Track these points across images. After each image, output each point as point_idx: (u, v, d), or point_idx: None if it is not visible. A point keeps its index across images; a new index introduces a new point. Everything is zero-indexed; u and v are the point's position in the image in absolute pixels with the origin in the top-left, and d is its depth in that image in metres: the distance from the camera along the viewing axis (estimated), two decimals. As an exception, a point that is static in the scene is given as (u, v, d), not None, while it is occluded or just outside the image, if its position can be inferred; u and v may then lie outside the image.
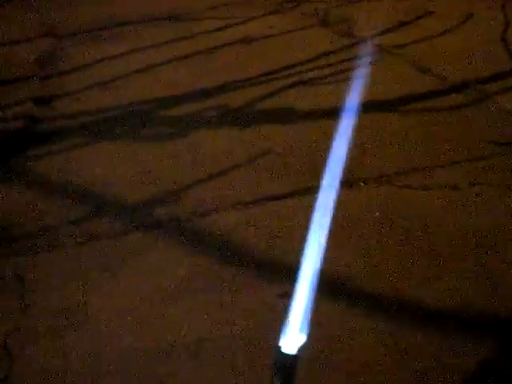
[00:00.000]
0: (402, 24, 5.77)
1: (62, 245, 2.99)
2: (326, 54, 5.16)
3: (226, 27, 5.86)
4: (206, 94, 4.51)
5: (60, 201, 3.34)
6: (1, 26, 6.33)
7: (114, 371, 2.35)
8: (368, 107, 4.22)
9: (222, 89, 4.59)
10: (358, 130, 3.92)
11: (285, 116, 4.16)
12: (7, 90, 4.72)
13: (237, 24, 5.93)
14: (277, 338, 2.43)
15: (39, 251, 2.96)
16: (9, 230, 3.13)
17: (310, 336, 1.30)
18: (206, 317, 2.56)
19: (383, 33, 5.58)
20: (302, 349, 1.22)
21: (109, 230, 3.08)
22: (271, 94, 4.46)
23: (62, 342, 2.48)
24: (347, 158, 3.63)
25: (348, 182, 3.39)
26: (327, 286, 2.65)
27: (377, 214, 3.13)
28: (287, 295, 2.62)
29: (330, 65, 4.92)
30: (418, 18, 5.92)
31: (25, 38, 5.91)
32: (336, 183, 3.49)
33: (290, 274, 2.77)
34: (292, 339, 1.16)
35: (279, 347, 1.16)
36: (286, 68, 4.89)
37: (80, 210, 3.25)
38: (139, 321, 2.55)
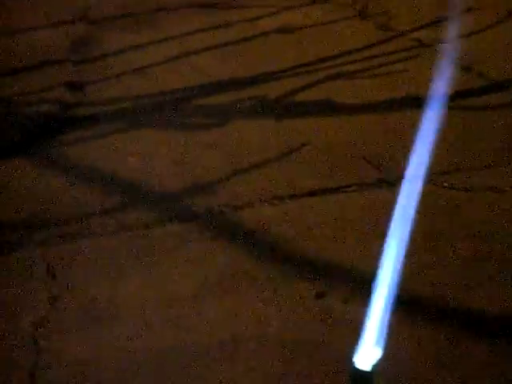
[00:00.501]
0: (443, 19, 5.63)
1: (93, 234, 2.92)
2: (365, 46, 5.04)
3: (263, 16, 5.75)
4: (241, 83, 4.42)
5: (92, 189, 3.27)
6: (33, 10, 6.28)
7: (145, 369, 2.27)
8: (408, 103, 4.11)
9: (259, 79, 4.49)
10: (397, 126, 3.83)
11: (322, 109, 4.05)
12: (39, 75, 4.66)
13: (273, 13, 5.81)
14: (313, 340, 2.36)
15: (70, 240, 2.89)
16: (39, 217, 3.07)
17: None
18: (240, 316, 2.47)
19: (423, 27, 5.45)
20: (377, 365, 1.11)
21: (142, 221, 3.00)
22: (308, 86, 4.35)
23: (91, 336, 2.40)
24: (386, 155, 3.55)
25: (388, 181, 3.29)
26: (364, 289, 2.55)
27: (419, 214, 3.01)
28: (324, 295, 2.55)
29: (368, 58, 4.80)
30: (459, 13, 5.77)
31: (57, 22, 5.85)
32: (375, 181, 3.41)
33: (327, 272, 2.72)
34: (366, 354, 1.03)
35: (353, 363, 1.04)
36: (324, 60, 4.78)
37: (113, 199, 3.17)
38: (171, 317, 2.47)
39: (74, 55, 5.04)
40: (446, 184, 3.24)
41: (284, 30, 5.37)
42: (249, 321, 2.44)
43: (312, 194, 3.21)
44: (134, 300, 2.55)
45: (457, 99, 4.16)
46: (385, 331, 1.12)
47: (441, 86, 4.39)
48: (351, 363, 1.09)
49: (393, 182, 3.26)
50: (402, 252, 2.79)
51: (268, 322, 2.43)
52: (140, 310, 2.50)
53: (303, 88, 4.32)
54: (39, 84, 4.46)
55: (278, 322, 2.43)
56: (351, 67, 4.65)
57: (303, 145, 3.63)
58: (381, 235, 2.86)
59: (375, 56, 4.82)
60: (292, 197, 3.18)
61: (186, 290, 2.59)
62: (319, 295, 2.55)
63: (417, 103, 4.10)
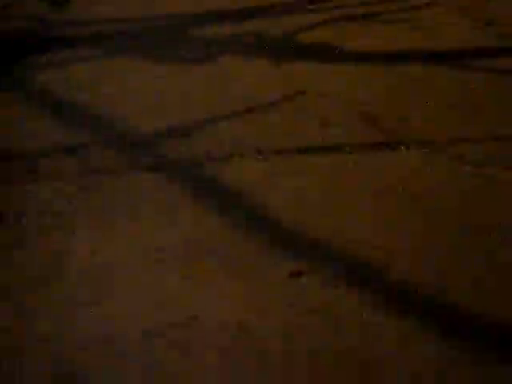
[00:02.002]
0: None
1: (50, 176, 2.58)
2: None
3: None
4: (241, 15, 4.03)
5: (59, 121, 2.92)
6: None
7: (86, 347, 1.94)
8: (423, 57, 3.72)
9: (261, 12, 4.11)
10: (409, 82, 3.46)
11: (329, 54, 3.66)
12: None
13: None
14: (278, 329, 2.05)
15: (24, 180, 2.56)
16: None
17: None
18: (201, 292, 2.14)
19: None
20: None
21: (108, 166, 2.66)
22: (314, 27, 3.97)
23: (30, 300, 2.07)
24: (391, 113, 3.19)
25: (388, 144, 2.93)
26: (346, 264, 2.24)
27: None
28: (301, 275, 2.22)
29: (384, 1, 4.39)
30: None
31: None
32: (373, 143, 3.05)
33: (308, 248, 2.39)
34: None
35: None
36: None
37: (79, 135, 2.83)
38: (123, 284, 2.13)
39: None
40: (452, 154, 2.88)
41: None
42: (211, 300, 2.12)
43: (303, 151, 2.86)
44: (87, 261, 2.21)
45: (479, 58, 3.77)
46: None
47: (458, 40, 4.00)
48: None
49: (393, 146, 2.92)
50: (390, 229, 2.48)
51: (232, 303, 2.10)
52: (92, 275, 2.16)
53: (311, 27, 3.93)
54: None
55: (240, 306, 2.09)
56: (365, 10, 4.25)
57: (299, 92, 3.26)
58: (374, 207, 2.57)
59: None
60: (281, 152, 2.83)
61: (144, 255, 2.26)
62: (294, 274, 2.23)
63: (432, 58, 3.73)
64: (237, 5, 4.16)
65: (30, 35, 3.65)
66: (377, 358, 1.84)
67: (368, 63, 3.63)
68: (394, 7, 4.34)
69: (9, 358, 1.84)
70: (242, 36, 3.79)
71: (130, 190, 2.54)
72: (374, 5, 4.36)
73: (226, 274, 2.18)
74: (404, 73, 3.56)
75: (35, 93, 3.13)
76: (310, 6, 4.23)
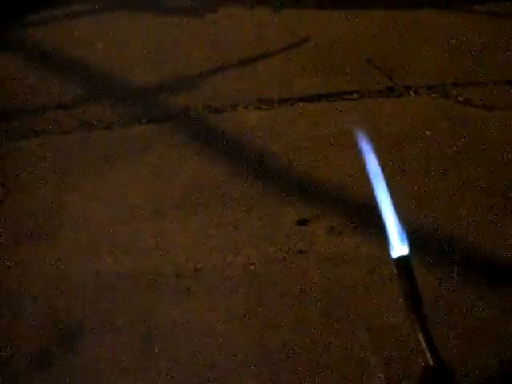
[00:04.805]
0: None
1: (47, 131, 2.51)
2: None
3: None
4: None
5: (54, 77, 2.84)
6: None
7: (84, 296, 1.90)
8: (426, 2, 3.61)
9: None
10: (411, 26, 3.35)
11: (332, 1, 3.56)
12: None
13: None
14: (287, 276, 1.98)
15: (19, 136, 2.49)
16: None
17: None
18: (204, 239, 2.08)
19: None
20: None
21: (105, 119, 2.58)
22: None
23: (25, 252, 2.02)
24: (396, 58, 3.09)
25: (395, 90, 2.84)
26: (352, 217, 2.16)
27: (427, 132, 2.59)
28: (306, 223, 2.15)
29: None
30: None
31: None
32: (380, 89, 2.96)
33: (314, 196, 2.32)
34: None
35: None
36: None
37: (75, 91, 2.75)
38: (122, 238, 2.08)
39: None
40: (460, 98, 2.79)
41: None
42: (214, 247, 2.05)
43: (307, 99, 2.78)
44: (82, 214, 2.15)
45: (485, 2, 3.66)
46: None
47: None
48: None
49: (401, 92, 2.83)
50: (406, 175, 2.40)
51: (237, 250, 2.04)
52: (87, 227, 2.10)
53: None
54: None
55: (248, 250, 2.04)
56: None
57: (303, 40, 3.16)
58: (388, 157, 2.48)
59: None
60: (283, 101, 2.75)
61: (146, 206, 2.19)
62: (301, 222, 2.16)
63: (435, 1, 3.62)
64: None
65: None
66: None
67: (370, 9, 3.53)
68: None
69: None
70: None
71: (131, 142, 2.47)
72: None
73: (230, 222, 2.12)
74: (406, 18, 3.45)
75: (32, 51, 3.04)
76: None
